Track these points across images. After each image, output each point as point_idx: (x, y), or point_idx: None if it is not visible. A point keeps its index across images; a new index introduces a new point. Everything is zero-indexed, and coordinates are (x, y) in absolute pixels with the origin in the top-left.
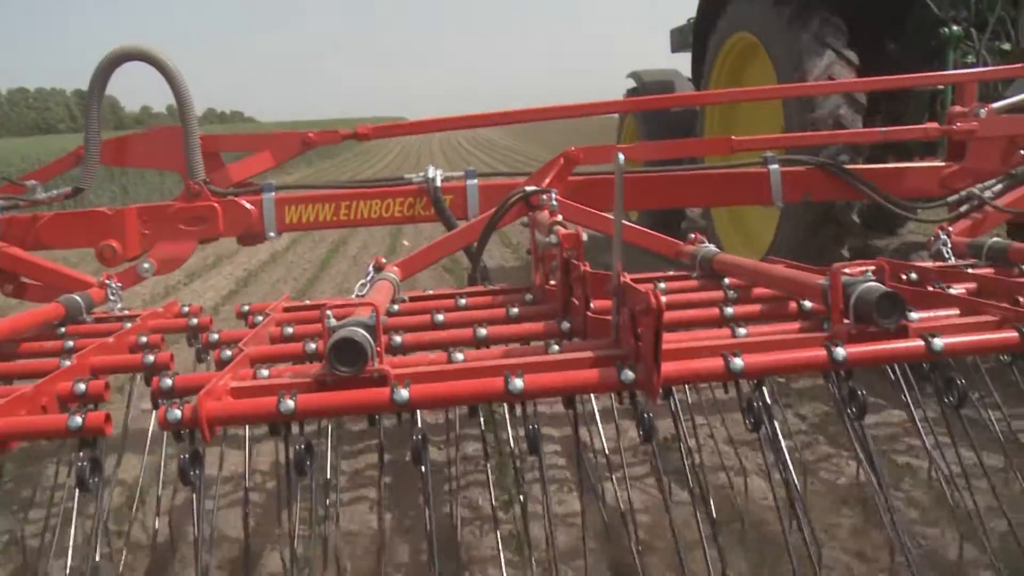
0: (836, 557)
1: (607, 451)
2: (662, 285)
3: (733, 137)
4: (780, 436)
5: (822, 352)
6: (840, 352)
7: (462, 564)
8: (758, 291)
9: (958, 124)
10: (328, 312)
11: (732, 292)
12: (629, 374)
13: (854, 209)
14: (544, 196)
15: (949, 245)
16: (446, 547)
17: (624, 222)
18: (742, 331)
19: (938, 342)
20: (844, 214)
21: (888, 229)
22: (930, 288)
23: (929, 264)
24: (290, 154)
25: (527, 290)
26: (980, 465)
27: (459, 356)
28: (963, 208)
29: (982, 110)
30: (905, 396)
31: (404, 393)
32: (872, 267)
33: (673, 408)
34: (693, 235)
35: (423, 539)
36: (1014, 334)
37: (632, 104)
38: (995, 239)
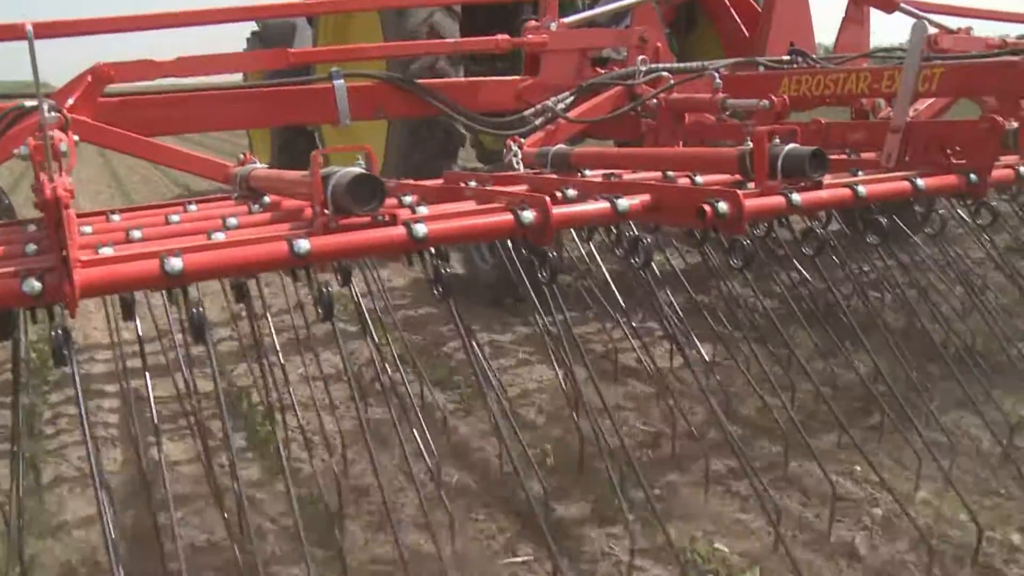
0: None
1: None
2: (193, 207)
3: (290, 50)
4: None
5: (283, 246)
6: (303, 244)
7: None
8: (288, 202)
9: (530, 36)
10: None
11: (257, 206)
12: (35, 284)
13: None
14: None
15: (519, 156)
16: None
17: (163, 144)
18: (219, 236)
19: (420, 228)
20: (448, 124)
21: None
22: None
23: (500, 174)
24: None
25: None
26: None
27: None
28: (538, 121)
29: (553, 23)
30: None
31: None
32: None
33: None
34: (243, 155)
35: None
36: (509, 217)
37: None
38: (559, 146)
